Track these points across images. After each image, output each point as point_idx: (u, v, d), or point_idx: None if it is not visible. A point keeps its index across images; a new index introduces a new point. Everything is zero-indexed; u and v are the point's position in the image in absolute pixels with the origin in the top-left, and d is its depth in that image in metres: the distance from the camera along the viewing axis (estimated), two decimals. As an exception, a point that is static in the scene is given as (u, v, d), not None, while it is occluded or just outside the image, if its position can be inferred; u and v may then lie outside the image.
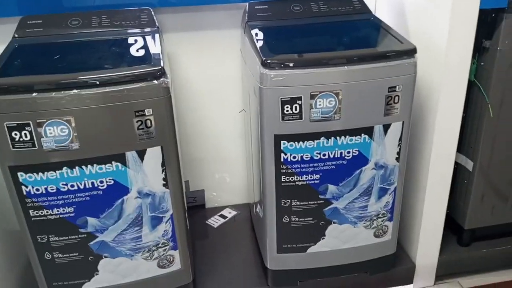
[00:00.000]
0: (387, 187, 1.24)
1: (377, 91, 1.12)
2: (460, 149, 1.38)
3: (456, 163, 1.37)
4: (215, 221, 1.64)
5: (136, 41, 1.21)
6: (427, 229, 1.40)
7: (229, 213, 1.69)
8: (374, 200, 1.25)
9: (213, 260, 1.44)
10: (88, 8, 1.30)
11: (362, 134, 1.16)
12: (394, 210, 1.29)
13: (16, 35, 1.22)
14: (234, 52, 1.48)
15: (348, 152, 1.17)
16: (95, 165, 1.05)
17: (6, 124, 0.97)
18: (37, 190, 1.04)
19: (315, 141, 1.14)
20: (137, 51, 1.15)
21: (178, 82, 1.50)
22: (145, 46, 1.17)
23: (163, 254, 1.20)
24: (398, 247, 1.38)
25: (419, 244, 1.42)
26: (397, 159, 1.21)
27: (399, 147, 1.20)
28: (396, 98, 1.14)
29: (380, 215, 1.28)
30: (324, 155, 1.16)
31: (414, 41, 1.15)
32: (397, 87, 1.13)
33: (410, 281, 1.45)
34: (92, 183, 1.07)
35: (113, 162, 1.06)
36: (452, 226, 1.50)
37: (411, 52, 1.12)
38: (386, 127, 1.16)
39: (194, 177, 1.66)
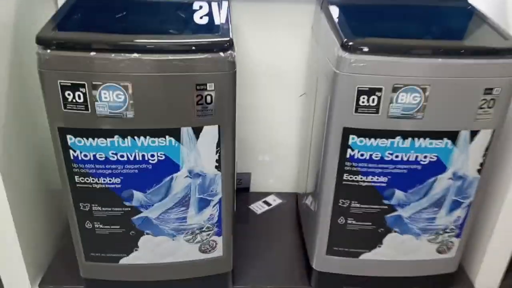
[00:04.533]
0: (462, 200, 1.10)
1: (470, 92, 0.97)
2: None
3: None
4: (258, 207, 1.56)
5: (205, 6, 1.10)
6: (493, 250, 1.25)
7: (274, 201, 1.60)
8: (444, 213, 1.11)
9: (254, 251, 1.36)
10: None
11: (445, 139, 1.01)
12: (464, 226, 1.15)
13: (79, -12, 1.14)
14: (303, 30, 1.34)
15: (425, 157, 1.03)
16: (148, 137, 0.97)
17: (59, 82, 0.90)
18: (85, 156, 0.98)
19: (389, 140, 1.01)
20: (205, 17, 1.05)
21: (238, 56, 1.39)
22: (214, 13, 1.06)
23: (206, 238, 1.13)
24: (457, 265, 1.25)
25: (482, 265, 1.28)
26: (479, 171, 1.06)
27: (484, 157, 1.05)
28: (492, 102, 0.98)
29: (447, 230, 1.14)
30: (396, 156, 1.03)
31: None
32: (494, 89, 0.97)
33: (466, 303, 1.32)
34: (143, 155, 0.99)
35: (167, 137, 0.98)
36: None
37: (518, 50, 0.96)
38: (473, 134, 1.02)
39: (241, 158, 1.57)
